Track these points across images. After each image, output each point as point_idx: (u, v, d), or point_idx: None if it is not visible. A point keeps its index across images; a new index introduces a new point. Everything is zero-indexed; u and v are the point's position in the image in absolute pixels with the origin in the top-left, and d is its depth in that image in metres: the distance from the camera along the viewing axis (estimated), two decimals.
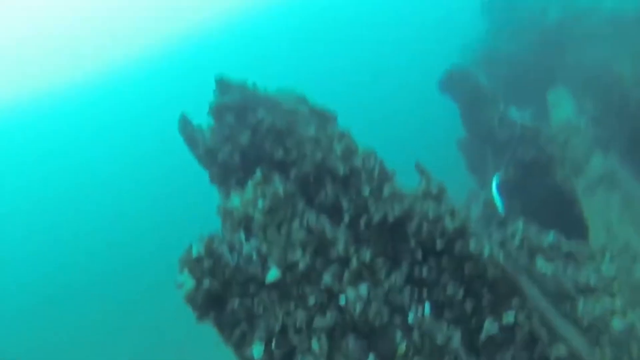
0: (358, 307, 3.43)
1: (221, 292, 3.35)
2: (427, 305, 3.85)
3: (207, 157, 4.90)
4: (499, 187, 8.22)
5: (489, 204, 8.52)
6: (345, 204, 4.49)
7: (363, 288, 3.57)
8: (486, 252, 4.44)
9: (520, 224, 6.13)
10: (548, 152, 9.11)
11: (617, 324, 4.67)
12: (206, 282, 3.34)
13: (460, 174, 11.00)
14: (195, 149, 5.06)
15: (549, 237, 5.90)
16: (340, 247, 3.74)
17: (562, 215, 7.94)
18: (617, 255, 5.78)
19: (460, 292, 4.42)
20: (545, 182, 8.89)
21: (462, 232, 4.54)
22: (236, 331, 3.30)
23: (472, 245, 4.50)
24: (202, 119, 5.59)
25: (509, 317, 4.38)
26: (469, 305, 4.49)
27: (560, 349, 4.36)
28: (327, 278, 3.58)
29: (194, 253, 3.45)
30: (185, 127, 5.30)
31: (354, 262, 3.70)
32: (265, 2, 44.91)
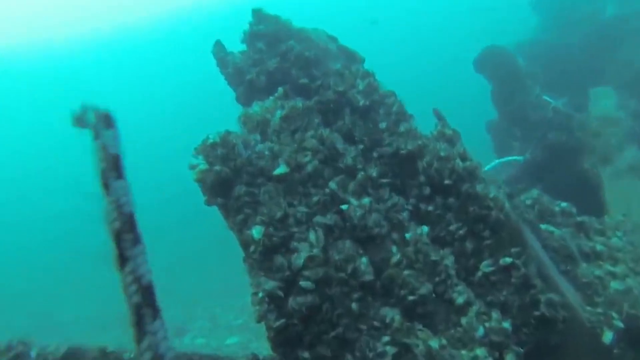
0: (359, 213, 3.58)
1: (230, 177, 3.56)
2: (425, 228, 3.96)
3: (235, 76, 5.11)
4: (496, 166, 8.53)
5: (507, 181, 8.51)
6: (360, 134, 4.63)
7: (366, 199, 3.72)
8: (492, 194, 4.51)
9: (534, 191, 6.14)
10: (579, 139, 8.99)
11: (615, 285, 4.68)
12: (217, 167, 3.55)
13: (488, 157, 10.94)
14: (225, 68, 5.28)
15: (562, 204, 5.89)
16: (349, 159, 3.89)
17: (585, 201, 7.87)
18: (628, 232, 5.73)
19: (463, 230, 4.52)
20: (572, 168, 8.79)
21: (471, 174, 4.61)
22: (240, 215, 3.51)
23: (480, 187, 4.58)
24: None
25: (506, 259, 4.45)
26: (469, 246, 4.58)
27: (553, 297, 4.41)
28: (332, 184, 3.75)
29: (210, 140, 3.67)
30: (218, 50, 5.52)
31: (360, 175, 3.85)
32: None
